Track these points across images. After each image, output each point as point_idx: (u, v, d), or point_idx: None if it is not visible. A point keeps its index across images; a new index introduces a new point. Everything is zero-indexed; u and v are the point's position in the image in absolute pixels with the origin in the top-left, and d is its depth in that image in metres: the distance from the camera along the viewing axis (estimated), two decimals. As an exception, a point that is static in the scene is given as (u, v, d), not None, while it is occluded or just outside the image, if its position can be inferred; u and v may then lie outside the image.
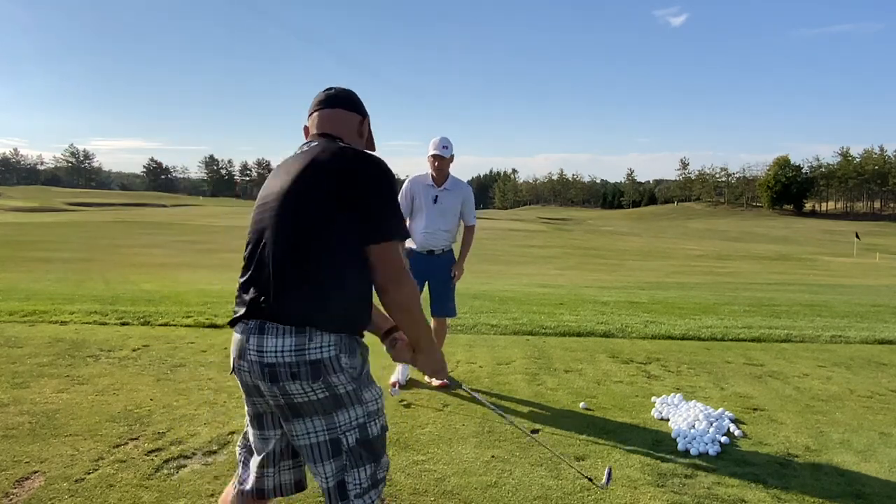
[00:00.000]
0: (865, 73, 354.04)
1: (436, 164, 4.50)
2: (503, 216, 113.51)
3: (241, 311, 1.80)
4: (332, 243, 1.74)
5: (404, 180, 4.66)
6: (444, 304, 4.66)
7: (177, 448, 3.27)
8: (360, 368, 1.82)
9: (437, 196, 4.54)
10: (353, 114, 2.03)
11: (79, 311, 6.91)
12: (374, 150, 2.08)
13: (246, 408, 1.92)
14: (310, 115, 2.04)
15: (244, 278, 1.84)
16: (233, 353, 1.83)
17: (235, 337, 1.81)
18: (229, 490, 2.00)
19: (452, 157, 4.54)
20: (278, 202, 1.80)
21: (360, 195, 1.75)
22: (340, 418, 1.77)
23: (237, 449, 2.01)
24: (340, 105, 2.02)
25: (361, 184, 1.78)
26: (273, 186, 1.86)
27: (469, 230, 4.79)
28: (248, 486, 1.92)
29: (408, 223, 4.59)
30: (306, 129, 2.05)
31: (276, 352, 1.71)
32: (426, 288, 4.68)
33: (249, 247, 1.86)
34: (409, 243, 4.61)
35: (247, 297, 1.79)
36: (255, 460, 1.91)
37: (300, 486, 1.96)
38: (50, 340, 5.50)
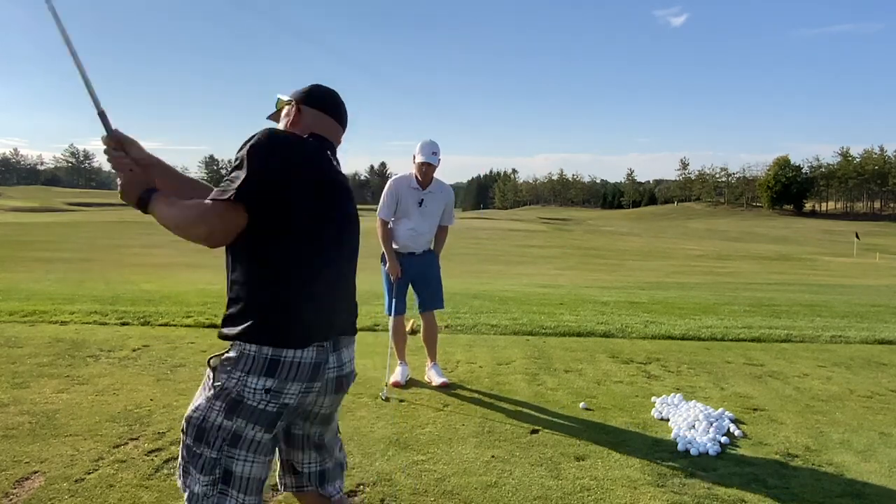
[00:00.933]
0: (865, 73, 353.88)
1: (423, 169, 4.49)
2: (503, 216, 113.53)
3: (314, 327, 1.74)
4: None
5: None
6: (432, 299, 4.68)
7: (177, 448, 3.25)
8: None
9: (422, 199, 4.54)
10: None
11: (79, 311, 6.91)
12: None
13: (260, 439, 1.73)
14: (337, 121, 1.97)
15: (319, 296, 1.76)
16: (295, 381, 1.70)
17: (304, 362, 1.70)
18: None
19: (440, 161, 4.55)
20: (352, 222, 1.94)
21: None
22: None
23: (206, 490, 1.74)
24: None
25: None
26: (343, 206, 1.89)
27: (444, 230, 4.82)
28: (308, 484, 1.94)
29: (391, 224, 4.60)
30: (299, 112, 1.93)
31: (350, 360, 1.89)
32: (410, 288, 4.68)
33: (330, 263, 1.82)
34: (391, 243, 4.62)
35: (322, 313, 1.76)
36: (253, 489, 1.76)
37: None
38: (50, 340, 5.50)
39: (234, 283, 1.74)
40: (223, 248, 1.75)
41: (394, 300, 4.57)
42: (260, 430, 1.72)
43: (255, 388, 1.69)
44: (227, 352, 1.74)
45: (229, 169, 1.72)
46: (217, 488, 1.73)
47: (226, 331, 1.73)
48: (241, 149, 1.72)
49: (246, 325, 1.68)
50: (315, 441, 1.91)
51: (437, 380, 4.50)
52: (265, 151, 1.69)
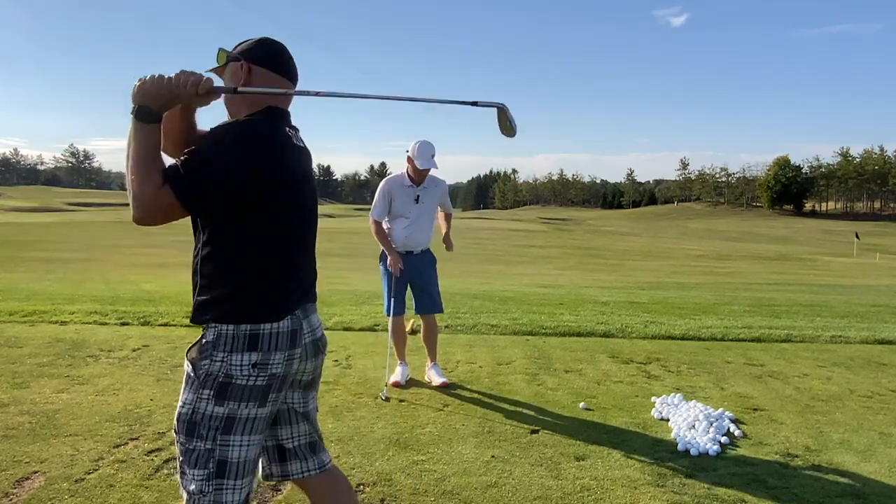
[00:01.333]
0: (865, 73, 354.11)
1: (421, 173, 4.49)
2: (503, 216, 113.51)
3: (289, 301, 1.81)
4: None
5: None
6: (430, 301, 4.67)
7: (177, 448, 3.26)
8: None
9: (418, 196, 4.54)
10: None
11: (79, 311, 6.91)
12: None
13: (255, 415, 1.74)
14: (290, 80, 1.88)
15: (290, 269, 1.84)
16: (277, 350, 1.74)
17: (282, 331, 1.75)
18: None
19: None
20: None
21: None
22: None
23: (201, 486, 1.73)
24: None
25: None
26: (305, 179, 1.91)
27: (448, 216, 4.92)
28: (239, 499, 1.77)
29: (385, 225, 4.60)
30: (251, 73, 1.83)
31: (319, 325, 1.94)
32: (409, 289, 4.67)
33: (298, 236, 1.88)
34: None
35: (293, 286, 1.84)
36: (245, 471, 1.76)
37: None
38: (50, 340, 5.50)
39: (204, 269, 1.77)
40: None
41: (392, 300, 4.57)
42: (254, 405, 1.74)
43: (241, 365, 1.71)
44: (202, 338, 1.75)
45: (193, 149, 1.69)
46: (212, 483, 1.73)
47: (201, 315, 1.76)
48: (210, 135, 1.73)
49: (223, 307, 1.72)
50: (300, 411, 1.93)
51: (437, 380, 4.50)
52: (235, 154, 1.67)
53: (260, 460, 1.90)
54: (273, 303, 1.76)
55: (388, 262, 4.56)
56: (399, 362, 4.67)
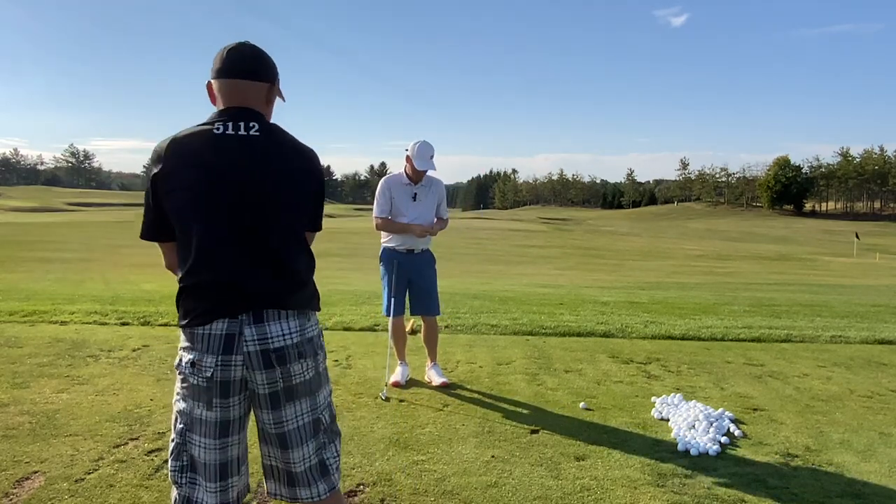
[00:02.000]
0: (865, 73, 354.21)
1: (419, 174, 4.49)
2: (503, 216, 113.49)
3: (218, 305, 1.76)
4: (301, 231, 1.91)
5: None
6: (429, 303, 4.66)
7: (177, 448, 3.26)
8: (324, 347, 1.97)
9: (416, 193, 4.54)
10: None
11: (79, 311, 6.91)
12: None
13: (197, 418, 1.78)
14: (232, 77, 1.86)
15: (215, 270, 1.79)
16: (208, 353, 1.74)
17: (214, 334, 1.74)
18: None
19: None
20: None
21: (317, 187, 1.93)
22: (320, 398, 1.89)
23: (172, 476, 1.84)
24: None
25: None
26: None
27: (442, 222, 4.84)
28: (211, 503, 1.82)
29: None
30: (211, 89, 1.89)
31: (282, 335, 1.78)
32: (408, 288, 4.65)
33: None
34: (389, 242, 4.61)
35: (221, 290, 1.77)
36: (212, 475, 1.81)
37: (248, 488, 1.97)
38: (50, 340, 5.50)
39: None
40: None
41: (392, 300, 4.57)
42: (202, 406, 1.78)
43: (184, 363, 1.80)
44: None
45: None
46: (186, 476, 1.82)
47: None
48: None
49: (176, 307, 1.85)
50: (271, 432, 1.83)
51: (437, 380, 4.50)
52: (149, 162, 1.83)
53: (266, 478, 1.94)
54: (198, 306, 1.76)
55: (413, 230, 4.53)
56: (399, 362, 4.67)
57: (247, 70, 1.85)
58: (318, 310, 1.94)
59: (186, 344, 1.79)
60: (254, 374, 1.76)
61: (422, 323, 4.76)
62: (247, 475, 1.93)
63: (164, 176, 1.76)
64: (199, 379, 1.76)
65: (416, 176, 4.51)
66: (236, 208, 1.76)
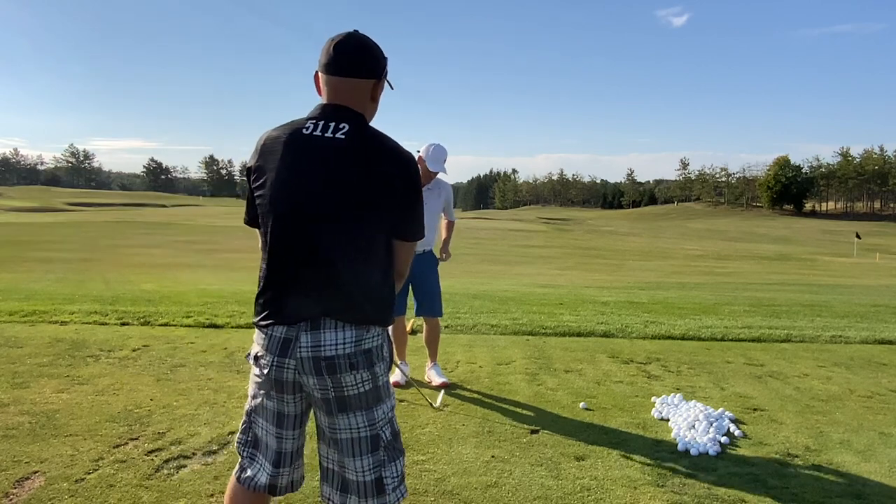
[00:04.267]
0: (866, 73, 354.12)
1: (430, 175, 4.50)
2: (503, 216, 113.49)
3: (278, 312, 1.81)
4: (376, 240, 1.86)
5: None
6: (431, 304, 4.66)
7: (177, 448, 3.26)
8: (390, 360, 1.94)
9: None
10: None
11: (79, 311, 6.91)
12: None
13: (259, 404, 1.89)
14: (332, 74, 1.83)
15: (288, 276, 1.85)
16: (268, 352, 1.81)
17: (274, 336, 1.80)
18: (234, 486, 1.97)
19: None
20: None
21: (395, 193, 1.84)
22: (378, 413, 1.84)
23: (237, 447, 2.00)
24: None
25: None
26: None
27: (449, 224, 4.88)
28: (262, 482, 1.92)
29: None
30: (318, 79, 1.88)
31: (334, 345, 1.77)
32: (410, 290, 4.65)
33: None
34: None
35: (283, 296, 1.82)
36: (269, 457, 1.92)
37: (302, 481, 2.03)
38: (50, 340, 5.50)
39: None
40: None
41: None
42: (263, 395, 1.88)
43: (252, 354, 1.89)
44: None
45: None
46: (248, 450, 1.96)
47: None
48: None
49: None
50: (328, 435, 1.86)
51: (437, 380, 4.50)
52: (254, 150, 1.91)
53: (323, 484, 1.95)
54: (263, 308, 1.84)
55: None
56: (399, 362, 4.67)
57: (350, 67, 1.81)
58: (385, 324, 1.86)
59: (256, 338, 1.89)
60: (306, 379, 1.79)
61: (423, 323, 4.76)
62: (300, 469, 2.00)
63: (254, 170, 1.84)
64: (258, 372, 1.86)
65: (425, 178, 4.50)
66: (305, 216, 1.76)
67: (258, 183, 1.83)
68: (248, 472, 1.94)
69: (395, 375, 4.53)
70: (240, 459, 1.99)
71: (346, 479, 1.86)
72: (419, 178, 1.87)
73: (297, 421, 1.90)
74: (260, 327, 1.84)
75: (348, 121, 1.78)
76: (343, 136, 1.76)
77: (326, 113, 1.80)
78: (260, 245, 1.87)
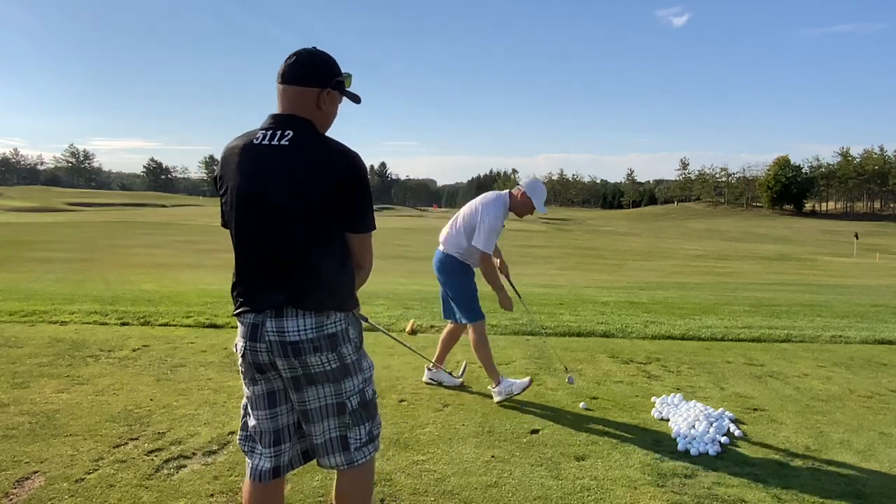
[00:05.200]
0: (866, 73, 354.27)
1: (531, 212, 4.40)
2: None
3: (246, 302, 2.00)
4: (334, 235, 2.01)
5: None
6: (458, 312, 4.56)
7: (177, 448, 3.26)
8: (359, 340, 2.10)
9: (504, 225, 4.43)
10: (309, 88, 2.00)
11: (79, 311, 6.90)
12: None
13: (249, 393, 2.07)
14: (280, 83, 2.02)
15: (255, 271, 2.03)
16: (243, 337, 2.00)
17: (245, 322, 1.99)
18: (247, 484, 2.12)
19: None
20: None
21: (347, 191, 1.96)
22: (346, 386, 2.04)
23: (239, 444, 2.15)
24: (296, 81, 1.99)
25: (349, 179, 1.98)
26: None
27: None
28: (266, 467, 2.08)
29: (467, 244, 4.30)
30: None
31: (297, 331, 1.94)
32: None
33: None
34: (467, 260, 4.38)
35: (249, 287, 2.01)
36: (267, 441, 2.08)
37: (307, 456, 2.17)
38: (50, 340, 5.50)
39: None
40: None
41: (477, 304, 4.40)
42: (250, 383, 2.07)
43: (234, 344, 2.09)
44: None
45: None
46: (248, 445, 2.12)
47: None
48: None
49: None
50: (297, 408, 2.06)
51: (449, 381, 4.53)
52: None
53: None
54: (236, 300, 2.04)
55: (500, 299, 4.40)
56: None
57: (294, 76, 1.98)
58: (343, 310, 2.01)
59: (238, 329, 2.06)
60: (276, 360, 1.97)
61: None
62: (298, 445, 2.15)
63: (218, 179, 2.04)
64: (239, 357, 2.05)
65: (523, 214, 4.38)
66: (259, 217, 1.94)
67: (222, 190, 2.02)
68: (252, 465, 2.10)
69: (522, 385, 4.23)
70: (246, 459, 2.14)
71: (315, 444, 2.08)
72: (365, 174, 2.01)
73: (284, 395, 2.06)
74: (237, 317, 2.03)
75: (293, 127, 1.95)
76: (287, 143, 1.93)
77: (275, 122, 1.98)
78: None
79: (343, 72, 2.04)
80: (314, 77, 1.98)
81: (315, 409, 2.03)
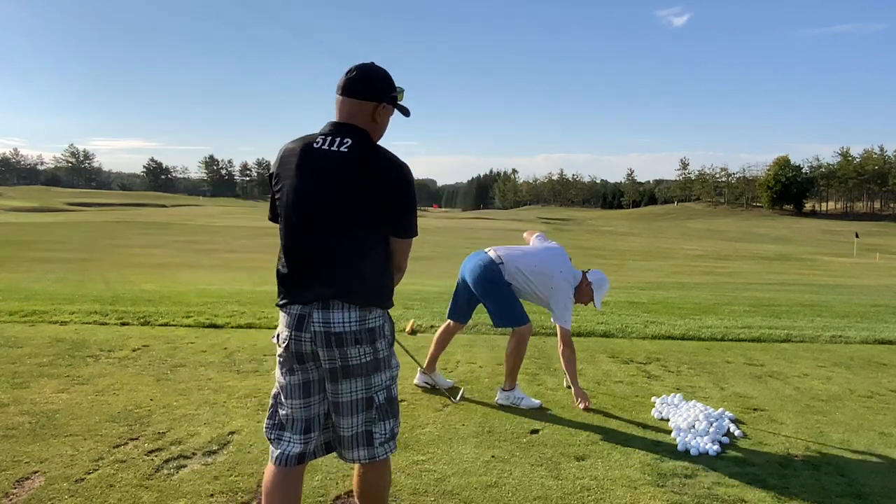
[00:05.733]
0: (866, 73, 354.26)
1: (588, 302, 4.51)
2: (503, 216, 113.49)
3: (294, 294, 2.12)
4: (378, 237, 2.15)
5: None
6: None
7: (177, 448, 3.26)
8: (392, 338, 2.25)
9: None
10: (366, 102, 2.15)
11: (79, 311, 6.90)
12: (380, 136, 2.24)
13: (284, 382, 2.17)
14: (338, 94, 2.18)
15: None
16: (287, 328, 2.12)
17: (291, 313, 2.12)
18: (270, 470, 2.21)
19: None
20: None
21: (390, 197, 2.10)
22: (375, 380, 2.16)
23: (265, 432, 2.25)
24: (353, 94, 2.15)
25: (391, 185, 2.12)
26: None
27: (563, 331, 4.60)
28: (294, 452, 2.19)
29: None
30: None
31: (342, 322, 2.08)
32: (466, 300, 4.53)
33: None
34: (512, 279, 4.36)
35: (296, 279, 2.13)
36: (298, 429, 2.19)
37: (329, 447, 2.27)
38: (50, 340, 5.50)
39: None
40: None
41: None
42: (287, 373, 2.17)
43: (276, 335, 2.20)
44: None
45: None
46: (275, 433, 2.22)
47: None
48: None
49: None
50: (330, 399, 2.17)
51: (445, 383, 4.52)
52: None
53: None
54: (282, 292, 2.16)
55: (575, 393, 4.29)
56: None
57: (353, 89, 2.14)
58: (383, 307, 2.17)
59: (280, 319, 2.19)
60: (322, 352, 2.09)
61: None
62: (324, 435, 2.25)
63: (274, 177, 2.18)
64: (281, 348, 2.15)
65: (580, 301, 4.45)
66: (312, 216, 2.09)
67: (277, 188, 2.16)
68: (278, 451, 2.20)
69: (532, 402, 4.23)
70: (270, 447, 2.24)
71: (341, 437, 2.19)
72: (412, 184, 2.17)
73: (320, 385, 2.18)
74: (281, 308, 2.16)
75: (351, 136, 2.11)
76: (346, 150, 2.09)
77: (335, 129, 2.13)
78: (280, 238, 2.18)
79: (397, 86, 2.21)
80: (372, 92, 2.15)
81: (346, 403, 2.14)
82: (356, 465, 2.26)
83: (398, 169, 2.11)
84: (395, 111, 2.25)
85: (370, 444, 2.18)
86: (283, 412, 2.20)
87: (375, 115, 2.16)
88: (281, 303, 2.16)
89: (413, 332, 5.01)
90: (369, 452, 2.18)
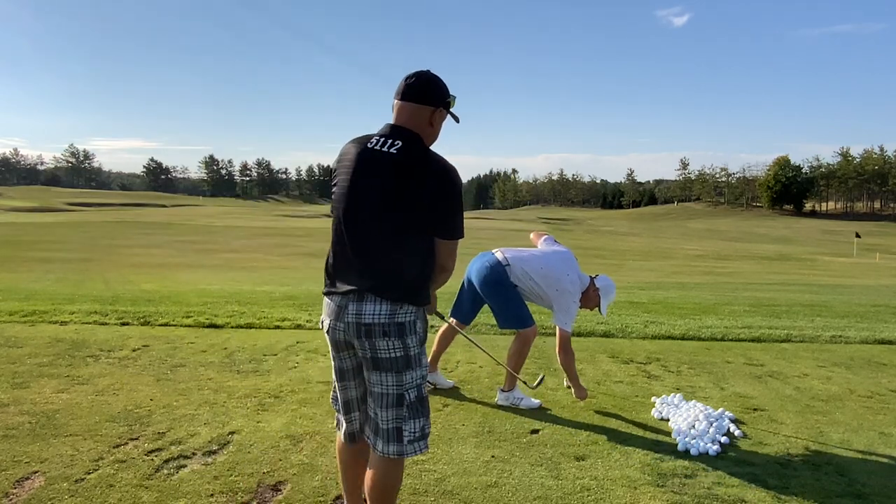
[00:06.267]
0: (866, 73, 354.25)
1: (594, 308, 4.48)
2: (503, 216, 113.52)
3: (334, 284, 2.27)
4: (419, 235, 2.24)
5: None
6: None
7: (177, 448, 3.26)
8: (424, 335, 2.32)
9: None
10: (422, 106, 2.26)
11: (79, 311, 6.90)
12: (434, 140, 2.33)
13: (333, 367, 2.38)
14: (396, 98, 2.29)
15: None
16: (328, 316, 2.29)
17: (331, 303, 2.27)
18: (338, 442, 2.49)
19: None
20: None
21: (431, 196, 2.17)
22: (406, 377, 2.24)
23: (333, 404, 2.49)
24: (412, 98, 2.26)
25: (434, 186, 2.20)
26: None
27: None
28: (346, 431, 2.43)
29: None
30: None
31: (372, 314, 2.18)
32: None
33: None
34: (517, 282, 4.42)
35: (337, 272, 2.28)
36: (342, 409, 2.42)
37: (363, 430, 2.40)
38: (50, 340, 5.50)
39: None
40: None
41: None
42: (331, 354, 2.37)
43: (321, 321, 2.37)
44: None
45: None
46: (337, 405, 2.46)
47: None
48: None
49: None
50: (367, 386, 2.30)
51: (445, 384, 4.53)
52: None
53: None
54: (326, 280, 2.33)
55: (575, 392, 4.29)
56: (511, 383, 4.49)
57: (411, 94, 2.25)
58: (416, 304, 2.23)
59: (323, 306, 2.34)
60: (355, 341, 2.23)
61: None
62: (362, 416, 2.40)
63: (332, 173, 2.33)
64: (325, 333, 2.33)
65: (586, 306, 4.40)
66: (359, 212, 2.20)
67: (333, 184, 2.30)
68: (336, 422, 2.49)
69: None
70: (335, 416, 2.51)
71: (378, 427, 2.28)
72: (460, 188, 2.25)
73: (353, 373, 2.36)
74: (325, 296, 2.32)
75: (403, 139, 2.21)
76: (395, 152, 2.19)
77: (390, 132, 2.24)
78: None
79: (450, 94, 2.31)
80: (429, 97, 2.25)
81: (378, 395, 2.25)
82: (372, 457, 2.32)
83: (446, 171, 2.19)
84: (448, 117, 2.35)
85: (399, 440, 2.25)
86: (335, 389, 2.43)
87: (432, 119, 2.26)
88: (325, 291, 2.32)
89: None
90: (398, 448, 2.25)
